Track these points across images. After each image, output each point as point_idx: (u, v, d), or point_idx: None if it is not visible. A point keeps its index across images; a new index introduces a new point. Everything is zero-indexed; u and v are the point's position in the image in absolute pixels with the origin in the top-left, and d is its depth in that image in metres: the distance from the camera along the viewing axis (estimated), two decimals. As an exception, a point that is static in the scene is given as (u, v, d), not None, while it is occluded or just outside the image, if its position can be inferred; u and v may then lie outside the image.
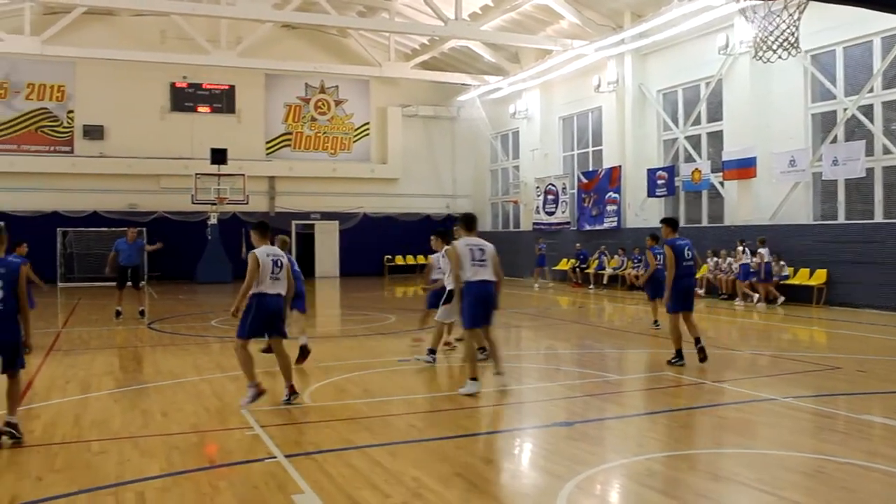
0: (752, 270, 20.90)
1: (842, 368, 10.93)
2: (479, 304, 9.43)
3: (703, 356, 10.88)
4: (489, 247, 9.52)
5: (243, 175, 31.47)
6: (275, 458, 6.61)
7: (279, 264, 8.79)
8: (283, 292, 8.83)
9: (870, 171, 19.65)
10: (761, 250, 20.67)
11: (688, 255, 11.05)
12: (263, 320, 8.62)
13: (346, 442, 7.17)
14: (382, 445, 7.04)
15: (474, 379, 9.30)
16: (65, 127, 32.12)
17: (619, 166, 27.57)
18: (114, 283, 18.40)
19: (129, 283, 18.01)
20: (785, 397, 8.98)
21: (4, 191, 30.75)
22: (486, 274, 9.40)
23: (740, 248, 21.39)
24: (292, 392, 8.72)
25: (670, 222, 11.48)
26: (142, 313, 18.12)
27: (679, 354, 11.08)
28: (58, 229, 30.78)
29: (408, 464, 6.46)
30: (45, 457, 6.77)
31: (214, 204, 30.91)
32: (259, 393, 8.52)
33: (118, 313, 17.78)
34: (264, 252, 8.71)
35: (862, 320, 11.39)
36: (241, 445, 7.12)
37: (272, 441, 7.13)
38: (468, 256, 9.27)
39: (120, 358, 12.90)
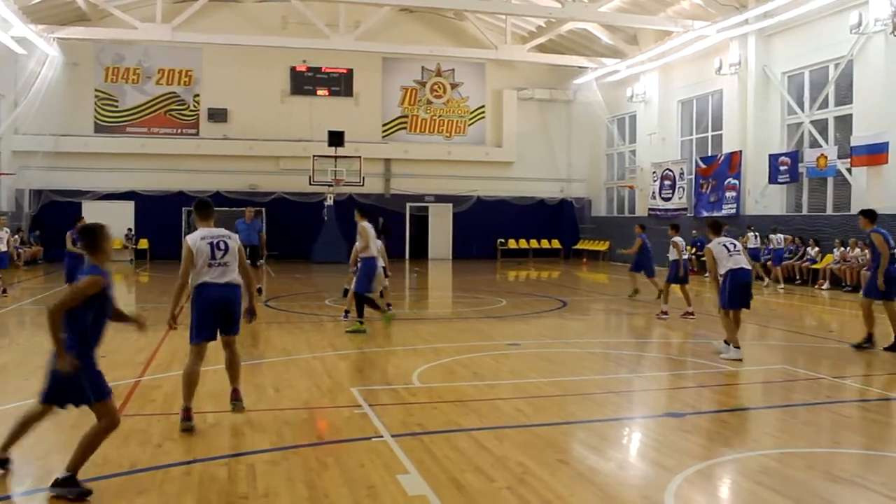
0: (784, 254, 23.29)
1: (978, 367, 10.29)
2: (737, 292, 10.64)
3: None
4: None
5: (359, 157, 31.96)
6: (381, 437, 6.69)
7: (222, 246, 7.35)
8: (235, 280, 7.41)
9: None
10: (772, 236, 23.42)
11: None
12: (207, 315, 7.26)
13: (453, 424, 7.20)
14: (489, 429, 7.03)
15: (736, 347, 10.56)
16: (191, 110, 33.41)
17: (740, 151, 26.68)
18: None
19: (248, 262, 18.50)
20: (913, 396, 8.54)
21: (136, 171, 32.33)
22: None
23: (750, 234, 24.10)
24: (237, 398, 7.60)
25: (869, 214, 11.97)
26: (259, 291, 18.64)
27: (870, 339, 11.39)
28: (183, 209, 32.04)
29: (514, 449, 6.43)
30: (165, 425, 7.06)
31: (331, 185, 31.53)
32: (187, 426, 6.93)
33: (237, 290, 18.29)
34: (198, 236, 7.31)
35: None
36: (350, 423, 7.24)
37: (380, 420, 7.22)
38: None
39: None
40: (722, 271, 10.69)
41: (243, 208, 20.11)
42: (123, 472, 5.82)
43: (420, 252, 35.94)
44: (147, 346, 11.12)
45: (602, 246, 35.53)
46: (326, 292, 20.27)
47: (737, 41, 26.43)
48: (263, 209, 31.82)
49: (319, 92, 34.45)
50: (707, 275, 19.35)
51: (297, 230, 32.30)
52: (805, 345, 12.51)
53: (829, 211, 23.87)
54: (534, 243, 37.09)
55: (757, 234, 24.55)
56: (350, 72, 34.63)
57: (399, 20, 34.08)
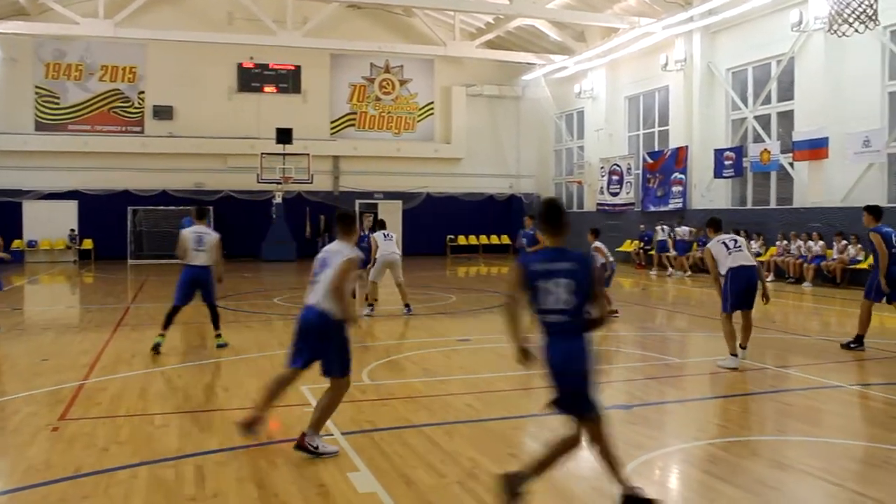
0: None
1: (915, 356, 10.58)
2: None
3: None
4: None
5: (308, 154, 31.74)
6: (331, 435, 6.66)
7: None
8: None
9: (949, 151, 18.94)
10: (677, 228, 25.70)
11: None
12: None
13: (403, 421, 7.19)
14: (439, 425, 7.04)
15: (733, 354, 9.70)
16: (136, 107, 32.82)
17: (686, 147, 27.05)
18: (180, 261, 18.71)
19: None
20: (852, 384, 8.74)
21: (79, 170, 31.60)
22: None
23: (658, 228, 26.59)
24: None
25: (874, 210, 11.11)
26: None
27: (859, 340, 10.97)
28: (128, 208, 31.51)
29: (464, 444, 6.45)
30: (111, 428, 6.95)
31: (279, 183, 31.28)
32: None
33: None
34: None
35: None
36: (300, 422, 7.16)
37: (330, 419, 7.17)
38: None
39: (184, 334, 13.13)
40: (722, 271, 9.76)
41: (190, 207, 19.81)
42: (67, 476, 5.71)
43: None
44: (92, 349, 10.94)
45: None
46: (275, 291, 20.09)
47: (682, 38, 26.79)
48: (210, 208, 31.34)
49: (267, 89, 34.10)
50: (671, 273, 19.68)
51: (246, 228, 31.95)
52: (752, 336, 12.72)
53: (773, 204, 24.34)
54: (483, 239, 37.20)
55: (665, 227, 26.55)
56: (298, 68, 34.34)
57: (347, 16, 33.90)
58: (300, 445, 6.13)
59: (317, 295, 6.38)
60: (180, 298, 11.33)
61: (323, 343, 6.30)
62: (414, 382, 9.01)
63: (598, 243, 14.84)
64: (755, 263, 9.91)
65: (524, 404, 8.04)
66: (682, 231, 25.88)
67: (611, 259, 14.82)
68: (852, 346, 10.90)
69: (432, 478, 5.62)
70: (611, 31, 29.16)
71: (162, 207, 31.74)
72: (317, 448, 6.13)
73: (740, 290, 9.67)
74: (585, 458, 6.36)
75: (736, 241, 9.96)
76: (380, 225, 15.93)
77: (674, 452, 6.37)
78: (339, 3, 30.71)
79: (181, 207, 29.08)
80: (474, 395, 8.33)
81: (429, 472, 5.74)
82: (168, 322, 11.14)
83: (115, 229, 31.33)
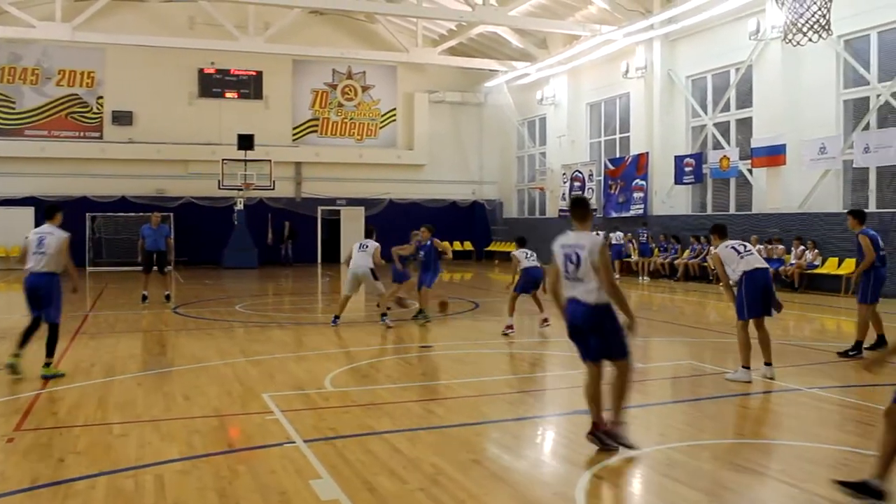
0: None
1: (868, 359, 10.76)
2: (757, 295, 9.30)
3: None
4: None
5: (270, 161, 31.60)
6: (294, 443, 6.62)
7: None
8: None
9: (902, 158, 19.31)
10: (611, 234, 26.64)
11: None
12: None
13: (366, 427, 7.16)
14: (402, 431, 7.03)
15: (745, 367, 9.25)
16: (94, 113, 32.40)
17: (647, 153, 27.33)
18: (140, 268, 18.56)
19: (155, 268, 18.14)
20: (810, 388, 8.86)
21: (35, 176, 31.11)
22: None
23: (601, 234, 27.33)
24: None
25: (858, 214, 11.16)
26: (167, 297, 18.29)
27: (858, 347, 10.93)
28: (87, 214, 31.06)
29: (427, 450, 6.44)
30: (67, 438, 6.83)
31: (241, 189, 31.07)
32: None
33: (144, 297, 17.93)
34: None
35: (891, 310, 11.19)
36: (261, 430, 7.13)
37: (292, 426, 7.14)
38: None
39: (144, 342, 13.00)
40: (735, 276, 9.30)
41: (150, 214, 19.61)
42: (24, 488, 5.59)
43: (332, 256, 35.63)
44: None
45: (514, 247, 35.76)
46: (237, 298, 19.94)
47: (643, 46, 27.09)
48: (171, 214, 31.04)
49: (228, 94, 33.85)
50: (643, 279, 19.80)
51: (207, 235, 31.69)
52: (711, 340, 12.88)
53: (732, 210, 24.65)
54: (446, 245, 37.15)
55: (600, 232, 26.78)
56: (259, 74, 34.14)
57: (309, 22, 33.80)
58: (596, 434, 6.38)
59: (577, 289, 6.41)
60: (33, 312, 9.77)
61: (601, 332, 6.39)
62: (376, 389, 8.99)
63: (515, 252, 14.30)
64: (768, 266, 9.56)
65: (486, 410, 8.05)
66: (617, 236, 27.06)
67: (527, 264, 13.71)
68: (851, 353, 10.85)
69: (395, 484, 5.60)
70: (572, 38, 29.41)
71: (122, 214, 31.31)
72: (620, 439, 6.36)
73: (757, 294, 9.24)
74: (548, 463, 6.40)
75: (745, 245, 9.70)
76: (367, 233, 15.83)
77: (636, 457, 6.41)
78: (301, 9, 30.59)
79: (141, 214, 28.67)
80: (437, 402, 8.33)
81: (391, 478, 5.72)
82: (24, 340, 9.61)
83: (74, 236, 30.73)
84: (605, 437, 6.37)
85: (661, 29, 25.93)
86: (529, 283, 13.35)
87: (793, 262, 20.88)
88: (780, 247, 21.41)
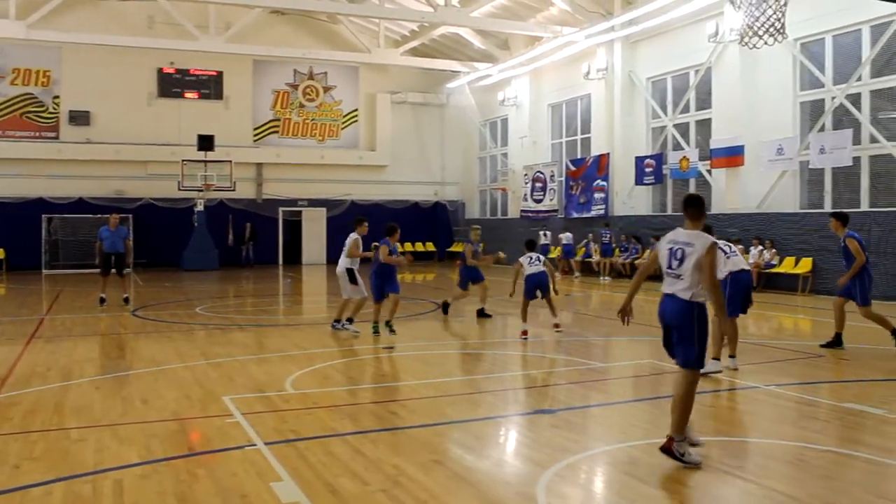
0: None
1: (825, 356, 10.94)
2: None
3: None
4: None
5: (230, 161, 31.32)
6: (255, 445, 6.57)
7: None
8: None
9: (856, 159, 19.68)
10: (561, 235, 27.95)
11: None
12: None
13: (327, 429, 7.13)
14: (363, 433, 7.00)
15: (716, 359, 9.41)
16: (50, 113, 31.87)
17: (608, 154, 27.54)
18: (98, 271, 18.31)
19: (114, 270, 17.91)
20: (768, 385, 8.99)
21: (-11, 176, 30.55)
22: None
23: (541, 233, 28.10)
24: None
25: (842, 217, 11.26)
26: (126, 300, 18.08)
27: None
28: (43, 216, 30.56)
29: (388, 451, 6.43)
30: (23, 444, 6.71)
31: (201, 191, 30.77)
32: None
33: (102, 300, 17.70)
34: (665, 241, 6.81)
35: (846, 308, 11.40)
36: (221, 433, 7.07)
37: (252, 428, 7.09)
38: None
39: (102, 345, 12.82)
40: (721, 276, 9.36)
41: (108, 215, 19.35)
42: (-23, 494, 5.50)
43: (294, 258, 35.47)
44: (3, 362, 10.57)
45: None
46: (197, 300, 19.75)
47: (604, 47, 27.29)
48: (130, 216, 30.66)
49: (188, 95, 33.51)
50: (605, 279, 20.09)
51: (167, 237, 31.36)
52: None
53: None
54: (408, 246, 37.05)
55: (548, 232, 28.70)
56: (220, 74, 33.85)
57: (270, 22, 33.59)
58: (666, 448, 6.08)
59: (676, 286, 6.33)
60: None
61: (685, 333, 6.23)
62: (338, 391, 8.96)
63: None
64: (749, 268, 10.08)
65: (448, 411, 8.05)
66: (567, 237, 28.00)
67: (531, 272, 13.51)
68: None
69: (356, 486, 5.58)
70: (534, 39, 29.55)
71: (79, 215, 30.82)
72: (682, 455, 6.02)
73: (740, 296, 9.77)
74: (510, 463, 6.42)
75: (730, 246, 10.10)
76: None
77: (597, 455, 6.46)
78: (262, 9, 30.39)
79: (99, 216, 28.31)
80: (398, 403, 8.31)
81: (353, 480, 5.70)
82: None
83: (29, 238, 30.31)
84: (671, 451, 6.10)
85: (621, 31, 26.14)
86: (532, 288, 13.08)
87: (751, 261, 21.13)
88: (740, 246, 21.63)
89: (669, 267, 6.46)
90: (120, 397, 8.56)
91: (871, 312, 11.14)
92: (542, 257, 13.34)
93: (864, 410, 7.80)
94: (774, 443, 6.79)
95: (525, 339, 12.58)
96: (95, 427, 7.27)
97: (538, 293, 13.07)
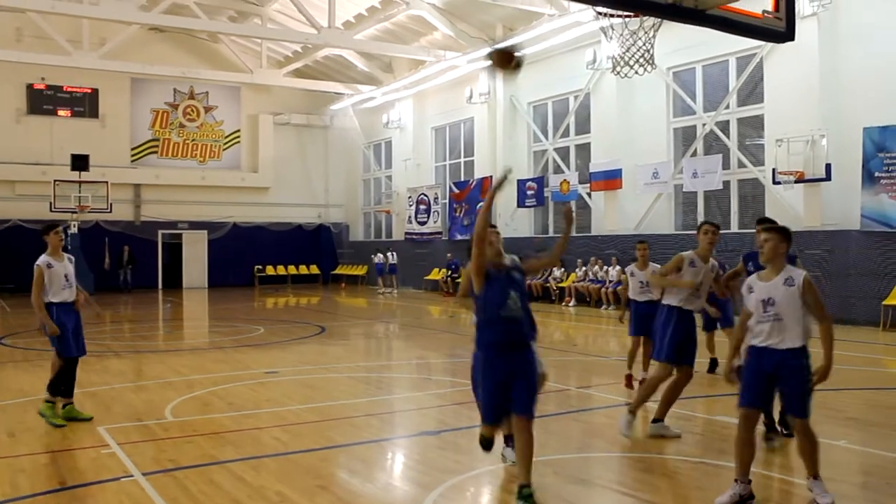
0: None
1: (699, 372, 11.34)
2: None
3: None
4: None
5: (106, 182, 30.25)
6: (132, 476, 6.34)
7: None
8: None
9: (726, 183, 20.63)
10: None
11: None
12: None
13: (208, 457, 6.95)
14: (246, 460, 6.86)
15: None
16: None
17: (490, 176, 27.93)
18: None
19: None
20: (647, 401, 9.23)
21: None
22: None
23: (389, 255, 30.35)
24: None
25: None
26: (-7, 327, 17.19)
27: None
28: None
29: (271, 478, 6.31)
30: None
31: (75, 212, 29.58)
32: None
33: (-34, 327, 16.80)
34: None
35: (855, 338, 11.88)
36: (96, 464, 6.79)
37: (129, 459, 6.84)
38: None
39: (-34, 375, 12.14)
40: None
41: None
42: None
43: (174, 282, 34.48)
44: None
45: (360, 271, 35.83)
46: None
47: (486, 72, 27.71)
48: (-3, 238, 29.24)
49: (61, 112, 32.26)
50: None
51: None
52: (554, 359, 13.23)
53: (573, 233, 25.43)
54: (292, 269, 36.76)
55: (394, 252, 30.94)
56: (95, 91, 32.74)
57: (149, 39, 32.72)
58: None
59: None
60: None
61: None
62: (219, 417, 8.74)
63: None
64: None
65: (332, 435, 7.97)
66: (379, 257, 30.54)
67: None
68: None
69: (238, 515, 5.46)
70: (418, 63, 29.78)
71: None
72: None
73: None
74: (396, 486, 6.39)
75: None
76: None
77: (481, 475, 6.51)
78: (139, 25, 29.59)
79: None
80: (282, 428, 8.17)
81: (235, 509, 5.57)
82: None
83: None
84: None
85: (503, 56, 26.59)
86: None
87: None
88: (619, 267, 22.28)
89: (765, 311, 5.77)
90: (-16, 430, 8.12)
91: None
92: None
93: (736, 423, 8.11)
94: (653, 457, 6.99)
95: None
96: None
97: None
